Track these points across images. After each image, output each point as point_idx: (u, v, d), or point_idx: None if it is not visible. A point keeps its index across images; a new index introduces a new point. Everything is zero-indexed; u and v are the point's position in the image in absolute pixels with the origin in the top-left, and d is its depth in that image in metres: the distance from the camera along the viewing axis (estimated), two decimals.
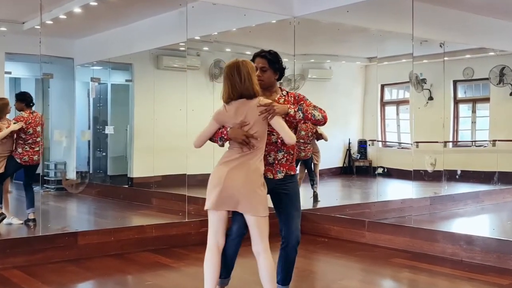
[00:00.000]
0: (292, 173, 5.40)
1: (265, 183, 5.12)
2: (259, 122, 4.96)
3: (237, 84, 4.96)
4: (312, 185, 11.99)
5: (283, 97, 5.38)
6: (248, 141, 4.96)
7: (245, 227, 5.20)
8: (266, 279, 5.03)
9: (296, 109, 5.13)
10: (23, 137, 9.70)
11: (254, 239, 5.06)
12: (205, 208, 5.12)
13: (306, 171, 12.04)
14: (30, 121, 9.75)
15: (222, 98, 5.07)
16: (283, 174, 5.31)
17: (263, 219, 5.01)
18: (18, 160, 9.71)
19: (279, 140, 5.19)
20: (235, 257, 5.42)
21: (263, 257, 5.03)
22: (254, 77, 5.03)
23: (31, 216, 9.78)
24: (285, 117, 5.15)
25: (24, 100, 9.92)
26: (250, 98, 4.98)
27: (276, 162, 5.28)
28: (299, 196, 5.51)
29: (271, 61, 5.35)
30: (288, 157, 5.33)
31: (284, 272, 5.47)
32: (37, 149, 9.88)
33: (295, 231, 5.38)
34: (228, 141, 5.12)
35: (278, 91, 5.45)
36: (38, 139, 9.88)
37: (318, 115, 5.22)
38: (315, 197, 11.93)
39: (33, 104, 10.07)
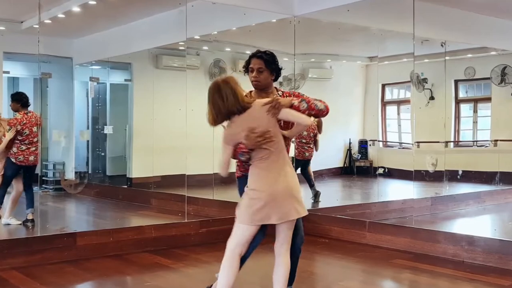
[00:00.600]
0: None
1: None
2: (269, 123, 4.90)
3: (221, 105, 4.85)
4: (312, 186, 11.96)
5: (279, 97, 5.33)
6: (266, 137, 4.87)
7: (264, 234, 5.19)
8: (281, 280, 5.04)
9: (299, 100, 5.08)
10: (19, 138, 9.64)
11: (281, 239, 5.08)
12: (249, 223, 4.99)
13: (300, 172, 11.99)
14: (24, 122, 9.67)
15: (208, 122, 4.97)
16: None
17: (292, 222, 5.03)
18: (14, 160, 9.65)
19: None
20: (243, 262, 5.41)
21: (284, 257, 5.07)
22: (239, 90, 4.90)
23: (29, 217, 9.74)
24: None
25: (19, 100, 9.83)
26: (241, 112, 4.89)
27: None
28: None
29: (268, 62, 5.30)
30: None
31: (290, 274, 5.38)
32: (33, 149, 9.81)
33: (300, 231, 5.41)
34: (251, 153, 5.00)
35: (274, 91, 5.41)
36: (35, 140, 9.81)
37: (321, 105, 5.15)
38: (317, 196, 11.88)
39: (29, 104, 9.97)
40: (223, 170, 5.02)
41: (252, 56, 5.35)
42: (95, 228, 10.12)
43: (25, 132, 9.66)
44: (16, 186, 9.92)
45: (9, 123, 9.66)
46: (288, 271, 5.07)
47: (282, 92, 5.47)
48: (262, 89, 5.33)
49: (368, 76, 16.62)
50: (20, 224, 9.73)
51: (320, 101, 5.20)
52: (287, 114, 4.96)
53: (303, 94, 5.38)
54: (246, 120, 4.88)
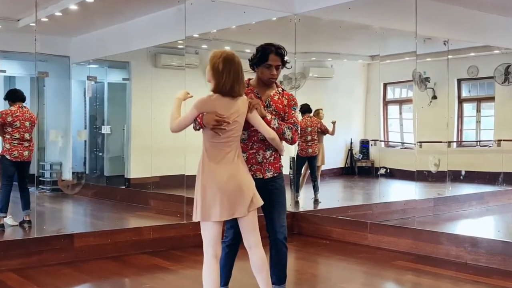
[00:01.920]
0: (279, 171, 5.31)
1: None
2: (239, 119, 4.83)
3: (235, 80, 4.79)
4: (315, 191, 11.94)
5: (278, 94, 5.31)
6: (220, 124, 4.76)
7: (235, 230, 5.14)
8: (258, 270, 4.95)
9: (273, 117, 5.09)
10: (10, 130, 9.56)
11: (244, 234, 4.96)
12: (200, 219, 4.92)
13: (309, 170, 12.03)
14: (17, 114, 9.66)
15: (213, 89, 4.88)
16: (271, 172, 5.23)
17: (251, 213, 4.89)
18: (8, 157, 9.58)
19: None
20: (232, 264, 5.33)
21: (254, 251, 4.94)
22: (241, 73, 4.87)
23: (26, 218, 9.67)
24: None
25: (6, 98, 9.95)
26: (235, 95, 4.83)
27: (265, 161, 5.19)
28: (285, 192, 5.40)
29: (283, 57, 5.26)
30: (275, 155, 5.26)
31: (277, 271, 5.35)
32: (27, 144, 9.75)
33: (282, 228, 5.29)
34: (204, 129, 4.94)
35: (274, 86, 5.35)
36: (27, 135, 9.75)
37: (289, 135, 5.17)
38: (316, 201, 11.87)
39: (22, 99, 9.92)
40: (176, 127, 5.06)
41: (271, 52, 5.20)
42: (92, 229, 10.04)
43: (16, 124, 9.60)
44: None
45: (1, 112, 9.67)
46: (263, 260, 4.94)
47: (283, 89, 5.41)
48: (270, 84, 5.30)
49: (369, 75, 16.58)
50: (17, 225, 9.68)
51: (294, 130, 5.21)
52: (255, 120, 4.92)
53: (295, 109, 5.38)
54: (225, 104, 4.79)
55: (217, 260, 4.89)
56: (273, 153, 5.21)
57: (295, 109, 5.37)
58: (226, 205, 4.78)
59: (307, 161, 12.02)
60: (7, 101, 9.96)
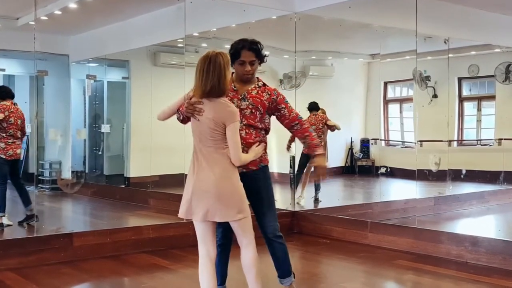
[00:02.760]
0: (264, 163, 5.29)
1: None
2: (215, 122, 4.71)
3: (209, 80, 4.68)
4: (316, 190, 11.90)
5: (257, 88, 5.23)
6: (193, 107, 4.74)
7: (230, 230, 5.08)
8: (246, 270, 4.95)
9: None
10: (5, 126, 9.56)
11: (236, 235, 4.96)
12: (180, 215, 4.98)
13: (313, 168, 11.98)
14: (12, 110, 9.68)
15: (194, 93, 4.80)
16: (240, 168, 5.07)
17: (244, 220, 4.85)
18: (3, 156, 9.57)
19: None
20: (226, 263, 5.31)
21: (243, 251, 4.93)
22: (228, 73, 4.76)
23: (29, 213, 9.65)
24: (279, 112, 5.29)
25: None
26: (219, 95, 4.73)
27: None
28: (269, 186, 5.36)
29: (258, 52, 5.19)
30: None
31: (280, 267, 5.41)
32: (19, 142, 9.78)
33: (270, 224, 5.27)
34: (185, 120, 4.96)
35: (254, 81, 5.30)
36: (19, 133, 9.78)
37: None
38: (316, 200, 11.83)
39: (11, 96, 9.92)
40: (162, 115, 5.12)
41: (242, 47, 5.17)
42: (92, 228, 10.07)
43: (10, 121, 9.62)
44: None
45: None
46: (253, 260, 4.91)
47: (264, 84, 5.34)
48: (247, 80, 5.24)
49: (370, 73, 16.58)
50: (11, 225, 9.64)
51: (304, 122, 5.39)
52: (232, 132, 4.75)
53: (287, 102, 5.38)
54: (212, 105, 4.72)
55: (209, 260, 4.88)
56: (245, 149, 5.06)
57: (287, 101, 5.35)
58: (200, 206, 4.76)
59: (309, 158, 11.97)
60: None
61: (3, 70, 13.66)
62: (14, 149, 9.67)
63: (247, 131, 5.12)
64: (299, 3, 10.37)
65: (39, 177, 14.09)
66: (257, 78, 5.35)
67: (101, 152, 15.17)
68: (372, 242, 8.96)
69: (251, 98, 5.17)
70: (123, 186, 14.49)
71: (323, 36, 13.29)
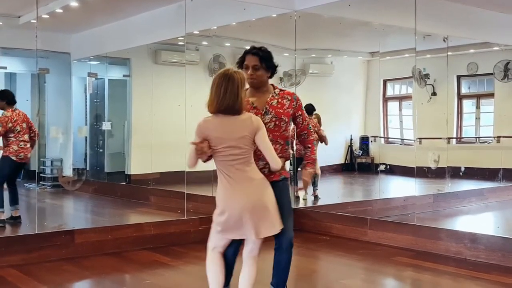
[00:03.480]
0: (285, 176, 5.24)
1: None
2: (243, 139, 4.69)
3: (219, 96, 4.64)
4: (314, 187, 11.86)
5: (276, 97, 5.19)
6: (198, 150, 4.73)
7: None
8: (244, 280, 4.93)
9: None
10: (11, 136, 9.55)
11: (249, 248, 4.96)
12: (215, 232, 4.93)
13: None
14: (15, 118, 9.59)
15: (207, 108, 4.74)
16: (278, 177, 5.12)
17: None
18: (14, 158, 9.56)
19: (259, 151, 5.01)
20: (233, 264, 5.30)
21: (250, 264, 4.94)
22: (242, 92, 4.72)
23: (15, 214, 9.71)
24: (295, 120, 5.26)
25: (4, 98, 9.74)
26: (235, 114, 4.69)
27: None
28: (289, 196, 5.31)
29: (263, 59, 5.11)
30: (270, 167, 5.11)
31: (278, 276, 5.25)
32: (28, 146, 9.76)
33: (288, 233, 5.14)
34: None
35: (270, 89, 5.24)
36: (26, 136, 9.72)
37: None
38: (315, 197, 11.84)
39: (16, 102, 9.85)
40: (189, 162, 4.88)
41: (247, 52, 5.17)
42: (93, 225, 10.06)
43: (17, 129, 9.57)
44: None
45: (4, 121, 9.55)
46: (252, 281, 4.94)
47: (280, 89, 5.30)
48: (257, 87, 5.17)
49: (369, 71, 16.61)
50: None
51: (310, 134, 5.39)
52: (263, 139, 4.78)
53: (303, 109, 5.38)
54: (224, 125, 4.70)
55: (217, 252, 4.92)
56: (267, 165, 5.04)
57: (303, 109, 5.37)
58: (235, 226, 4.75)
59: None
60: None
61: (5, 68, 13.65)
62: (26, 153, 9.69)
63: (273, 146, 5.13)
64: (299, 1, 10.37)
65: (41, 175, 14.09)
66: (272, 85, 5.32)
67: (102, 149, 15.19)
68: (371, 239, 8.96)
69: (273, 111, 5.12)
70: (124, 183, 14.49)
71: (323, 34, 13.30)
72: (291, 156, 5.43)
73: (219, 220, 4.79)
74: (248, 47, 5.23)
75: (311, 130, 5.38)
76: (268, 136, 4.91)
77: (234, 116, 4.68)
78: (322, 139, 11.87)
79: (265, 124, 4.97)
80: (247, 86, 5.00)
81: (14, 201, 9.80)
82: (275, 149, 4.99)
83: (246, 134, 4.67)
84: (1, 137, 9.60)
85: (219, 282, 4.93)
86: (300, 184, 5.24)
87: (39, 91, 14.04)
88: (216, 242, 4.96)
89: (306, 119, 5.34)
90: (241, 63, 5.17)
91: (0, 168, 9.66)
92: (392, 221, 9.46)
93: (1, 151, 9.80)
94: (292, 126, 5.35)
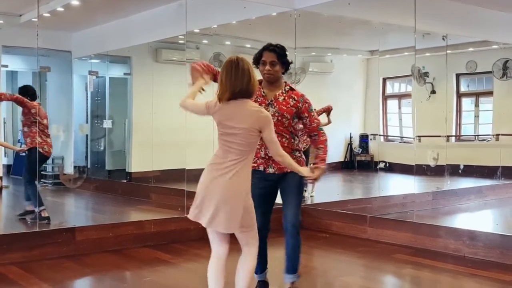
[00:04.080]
0: (282, 172, 5.41)
1: (261, 179, 5.25)
2: (249, 131, 4.67)
3: (238, 80, 4.64)
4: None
5: (284, 94, 5.39)
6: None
7: (268, 219, 5.39)
8: (239, 277, 4.94)
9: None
10: (41, 128, 9.61)
11: (240, 242, 4.97)
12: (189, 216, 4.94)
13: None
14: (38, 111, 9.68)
15: (219, 99, 4.73)
16: (273, 169, 5.38)
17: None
18: (41, 150, 9.59)
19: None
20: (264, 251, 5.43)
21: (244, 258, 4.95)
22: (254, 74, 4.75)
23: (29, 208, 9.73)
24: (302, 120, 5.46)
25: (25, 93, 9.75)
26: (248, 96, 4.71)
27: (267, 157, 5.36)
28: (301, 185, 5.51)
29: (280, 55, 5.38)
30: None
31: (287, 261, 5.58)
32: (49, 140, 9.80)
33: (290, 217, 5.43)
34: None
35: (282, 86, 5.47)
36: (47, 131, 9.80)
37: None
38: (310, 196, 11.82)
39: (36, 97, 9.93)
40: (186, 102, 4.94)
41: (265, 49, 5.40)
42: (94, 223, 10.06)
43: (44, 121, 9.68)
44: None
45: (33, 105, 9.56)
46: (249, 272, 4.94)
47: (291, 88, 5.50)
48: (272, 82, 5.39)
49: (369, 70, 16.61)
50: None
51: (321, 135, 5.60)
52: (270, 134, 4.76)
53: (312, 111, 5.52)
54: (229, 111, 4.71)
55: (217, 258, 4.91)
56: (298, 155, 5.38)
57: (311, 110, 5.49)
58: (205, 211, 4.74)
59: None
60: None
61: (6, 66, 13.63)
62: (50, 147, 9.76)
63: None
64: (299, 0, 10.38)
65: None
66: (285, 82, 5.52)
67: (103, 147, 15.20)
68: (371, 237, 8.98)
69: (277, 106, 5.34)
70: (125, 181, 14.53)
71: (323, 32, 13.30)
72: (303, 147, 5.59)
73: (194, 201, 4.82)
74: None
75: (322, 131, 5.51)
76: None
77: (244, 104, 4.70)
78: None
79: None
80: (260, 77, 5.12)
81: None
82: (282, 142, 5.15)
83: (256, 124, 4.67)
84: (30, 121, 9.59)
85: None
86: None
87: (40, 89, 14.02)
88: (211, 240, 4.97)
89: (315, 120, 5.52)
90: (257, 60, 5.40)
91: (29, 163, 9.64)
92: (392, 218, 9.46)
93: (23, 146, 9.85)
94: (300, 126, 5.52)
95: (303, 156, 5.60)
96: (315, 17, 11.10)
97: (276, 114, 5.30)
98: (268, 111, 5.09)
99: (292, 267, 5.55)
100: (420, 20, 9.44)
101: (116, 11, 12.09)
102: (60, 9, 11.11)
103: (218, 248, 4.92)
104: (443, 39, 12.84)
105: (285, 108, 5.34)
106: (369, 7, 10.65)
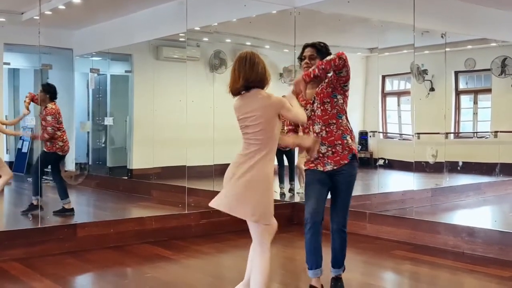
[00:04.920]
0: (339, 164, 5.59)
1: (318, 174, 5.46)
2: (268, 116, 4.76)
3: (247, 72, 4.73)
4: (290, 181, 11.76)
5: (322, 85, 5.60)
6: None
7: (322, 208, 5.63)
8: (251, 280, 4.95)
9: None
10: (58, 126, 9.78)
11: (253, 238, 5.01)
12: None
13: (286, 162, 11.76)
14: (59, 111, 9.90)
15: (231, 91, 4.83)
16: (331, 166, 5.54)
17: (256, 225, 4.88)
18: (61, 153, 9.93)
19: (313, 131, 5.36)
20: (318, 247, 5.67)
21: (256, 260, 4.96)
22: (265, 65, 4.82)
23: (69, 207, 9.94)
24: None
25: (49, 92, 9.92)
26: (261, 86, 4.78)
27: (321, 155, 5.52)
28: (352, 183, 5.84)
29: (319, 51, 5.57)
30: (333, 149, 5.54)
31: (332, 256, 6.01)
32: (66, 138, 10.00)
33: (339, 219, 6.01)
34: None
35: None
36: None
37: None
38: (290, 190, 11.73)
39: (56, 98, 10.06)
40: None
41: (306, 46, 5.62)
42: (95, 219, 10.07)
43: (60, 120, 9.86)
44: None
45: (50, 113, 9.71)
46: (258, 274, 4.89)
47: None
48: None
49: (368, 67, 16.60)
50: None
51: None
52: (287, 111, 4.87)
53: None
54: (241, 104, 4.83)
55: (252, 247, 5.04)
56: (329, 148, 5.48)
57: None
58: (224, 196, 4.83)
59: (285, 154, 11.71)
60: (40, 91, 9.99)
61: (8, 64, 13.66)
62: (67, 146, 10.01)
63: (327, 129, 5.46)
64: None
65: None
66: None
67: (104, 144, 15.21)
68: (370, 233, 8.99)
69: (318, 98, 5.51)
70: (126, 177, 14.54)
71: (322, 30, 13.23)
72: (351, 131, 5.65)
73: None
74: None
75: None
76: (320, 122, 5.37)
77: (256, 93, 4.78)
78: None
79: (314, 111, 5.42)
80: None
81: (61, 195, 10.02)
82: (330, 131, 5.46)
83: (270, 109, 4.76)
84: (51, 129, 9.69)
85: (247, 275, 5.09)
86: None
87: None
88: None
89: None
90: (301, 56, 5.65)
91: (43, 160, 9.87)
92: (391, 215, 9.49)
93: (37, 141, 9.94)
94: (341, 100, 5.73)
95: (354, 145, 5.73)
96: (315, 15, 11.10)
97: (319, 106, 5.45)
98: (314, 108, 5.39)
99: (338, 262, 5.88)
100: (419, 18, 9.46)
101: (117, 9, 12.11)
102: (61, 7, 11.15)
103: (254, 240, 5.01)
104: (442, 37, 12.87)
105: (323, 94, 5.50)
106: (368, 5, 10.67)
